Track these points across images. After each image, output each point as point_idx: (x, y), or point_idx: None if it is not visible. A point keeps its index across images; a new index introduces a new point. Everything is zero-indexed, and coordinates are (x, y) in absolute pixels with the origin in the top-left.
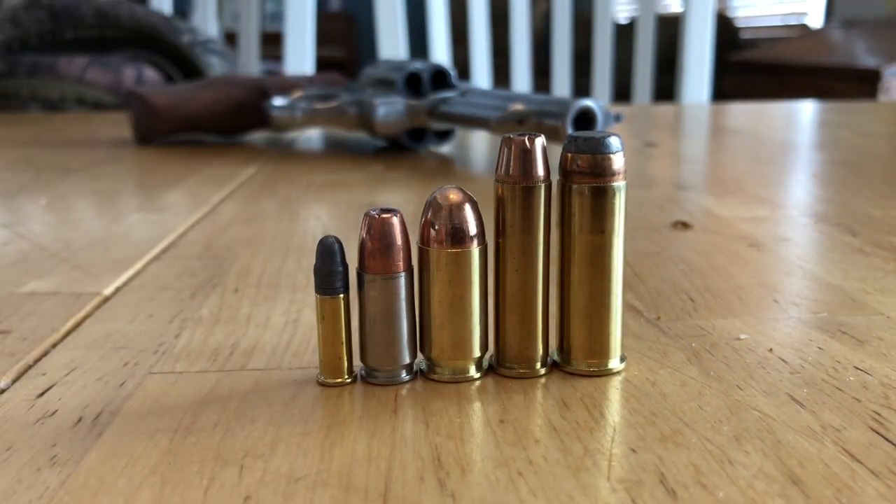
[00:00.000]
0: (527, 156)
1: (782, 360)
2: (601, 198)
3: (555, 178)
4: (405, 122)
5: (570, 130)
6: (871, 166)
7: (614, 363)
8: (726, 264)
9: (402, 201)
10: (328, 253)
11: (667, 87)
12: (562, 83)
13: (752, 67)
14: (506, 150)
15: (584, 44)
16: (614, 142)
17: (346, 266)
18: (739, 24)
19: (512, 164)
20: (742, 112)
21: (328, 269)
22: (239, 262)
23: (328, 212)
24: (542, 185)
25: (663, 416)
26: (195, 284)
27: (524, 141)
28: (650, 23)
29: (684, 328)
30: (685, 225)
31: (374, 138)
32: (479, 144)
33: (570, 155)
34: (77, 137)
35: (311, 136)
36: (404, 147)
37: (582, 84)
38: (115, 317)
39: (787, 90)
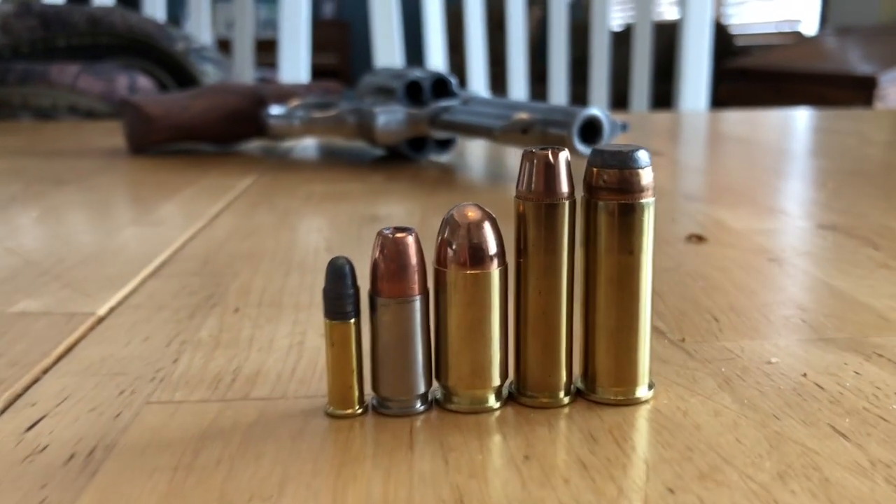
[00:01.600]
0: (550, 171)
1: (818, 386)
2: (629, 215)
3: (579, 194)
4: (406, 130)
5: (576, 140)
6: (883, 176)
7: (642, 391)
8: (747, 280)
9: (404, 213)
10: (338, 275)
11: (663, 93)
12: (559, 90)
13: (747, 74)
14: (527, 164)
15: (581, 51)
16: (642, 156)
17: (357, 289)
18: (733, 31)
19: (534, 179)
20: (742, 120)
21: (338, 293)
22: (239, 278)
23: (329, 225)
24: (567, 202)
25: (699, 451)
26: (193, 304)
27: (547, 155)
28: (647, 30)
29: (711, 351)
30: (700, 238)
31: (373, 148)
32: (480, 153)
33: (595, 170)
34: (69, 147)
35: (308, 145)
36: (404, 156)
37: (579, 91)
38: (110, 339)
39: (783, 97)
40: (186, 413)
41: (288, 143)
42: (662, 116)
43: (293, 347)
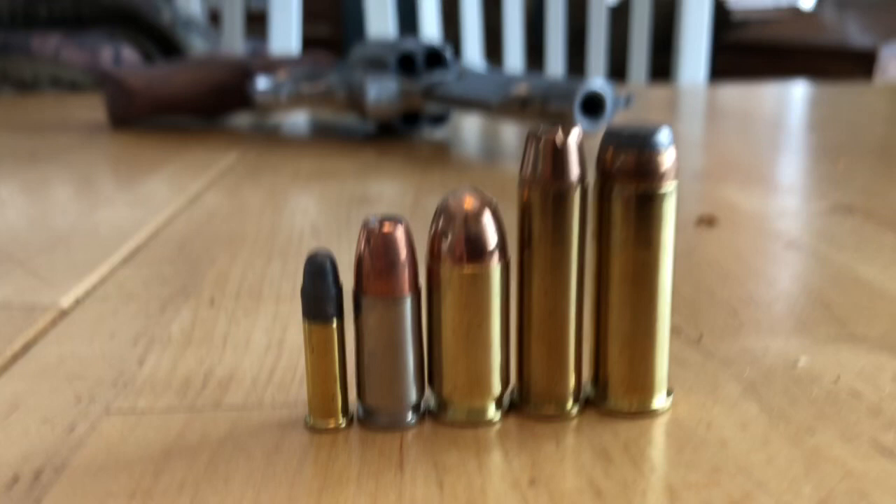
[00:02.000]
0: (559, 154)
1: (854, 393)
2: (649, 205)
3: (591, 179)
4: (398, 104)
5: (577, 115)
6: (894, 153)
7: (660, 401)
8: (766, 269)
9: (396, 193)
10: (318, 273)
11: (661, 65)
12: (556, 62)
13: (744, 48)
14: (533, 146)
15: (579, 22)
16: (664, 136)
17: (339, 287)
18: (731, 5)
19: (541, 163)
20: (741, 93)
21: (318, 293)
22: (216, 265)
23: (316, 205)
24: (577, 189)
25: (727, 473)
26: (166, 294)
27: (556, 136)
28: (646, 1)
29: (732, 350)
30: (711, 221)
31: (365, 122)
32: (476, 128)
33: (610, 152)
34: (49, 120)
35: (298, 120)
36: (396, 132)
37: (576, 63)
38: (72, 336)
39: (781, 71)
40: (149, 425)
41: (276, 118)
42: (660, 90)
43: (272, 346)
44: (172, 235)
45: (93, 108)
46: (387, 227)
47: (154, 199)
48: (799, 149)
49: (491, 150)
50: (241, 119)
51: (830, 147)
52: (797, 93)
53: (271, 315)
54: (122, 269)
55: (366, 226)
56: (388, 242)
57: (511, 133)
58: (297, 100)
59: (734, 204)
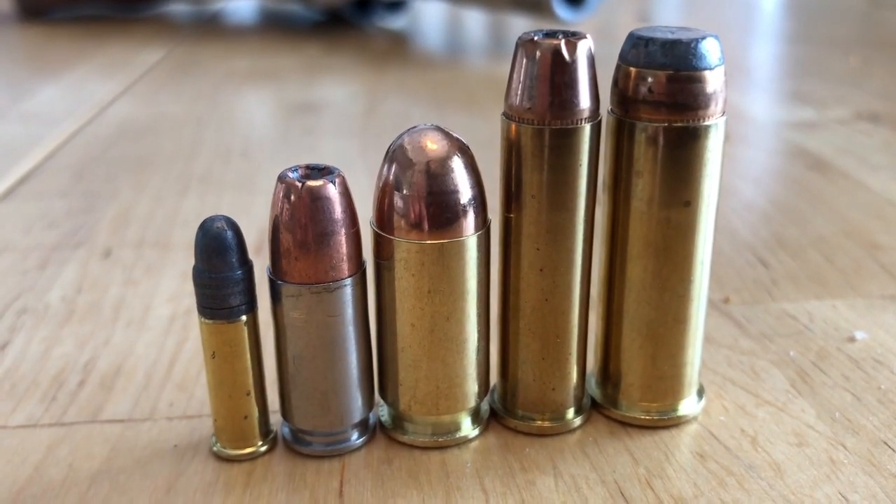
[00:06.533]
0: (563, 74)
1: None
2: (688, 145)
3: (605, 110)
4: None
5: (555, 3)
6: None
7: (689, 405)
8: (790, 199)
9: (346, 97)
10: (216, 248)
11: None
12: None
13: None
14: (525, 61)
15: None
16: (711, 47)
17: (249, 267)
18: None
19: (537, 87)
20: None
21: (216, 277)
22: (119, 200)
23: (249, 116)
24: (588, 126)
25: None
26: (51, 242)
27: (559, 47)
28: None
29: (768, 318)
30: None
31: (311, 10)
32: (436, 16)
33: (634, 71)
34: None
35: (241, 5)
36: (347, 21)
37: None
38: None
39: None
40: None
41: (215, 5)
42: None
43: (177, 319)
44: (70, 159)
45: None
46: (314, 184)
47: (53, 110)
48: (801, 42)
49: (455, 44)
50: (179, 7)
51: (838, 40)
52: None
53: (179, 272)
54: (2, 205)
55: (283, 181)
56: (316, 205)
57: (477, 23)
58: None
59: (740, 112)
